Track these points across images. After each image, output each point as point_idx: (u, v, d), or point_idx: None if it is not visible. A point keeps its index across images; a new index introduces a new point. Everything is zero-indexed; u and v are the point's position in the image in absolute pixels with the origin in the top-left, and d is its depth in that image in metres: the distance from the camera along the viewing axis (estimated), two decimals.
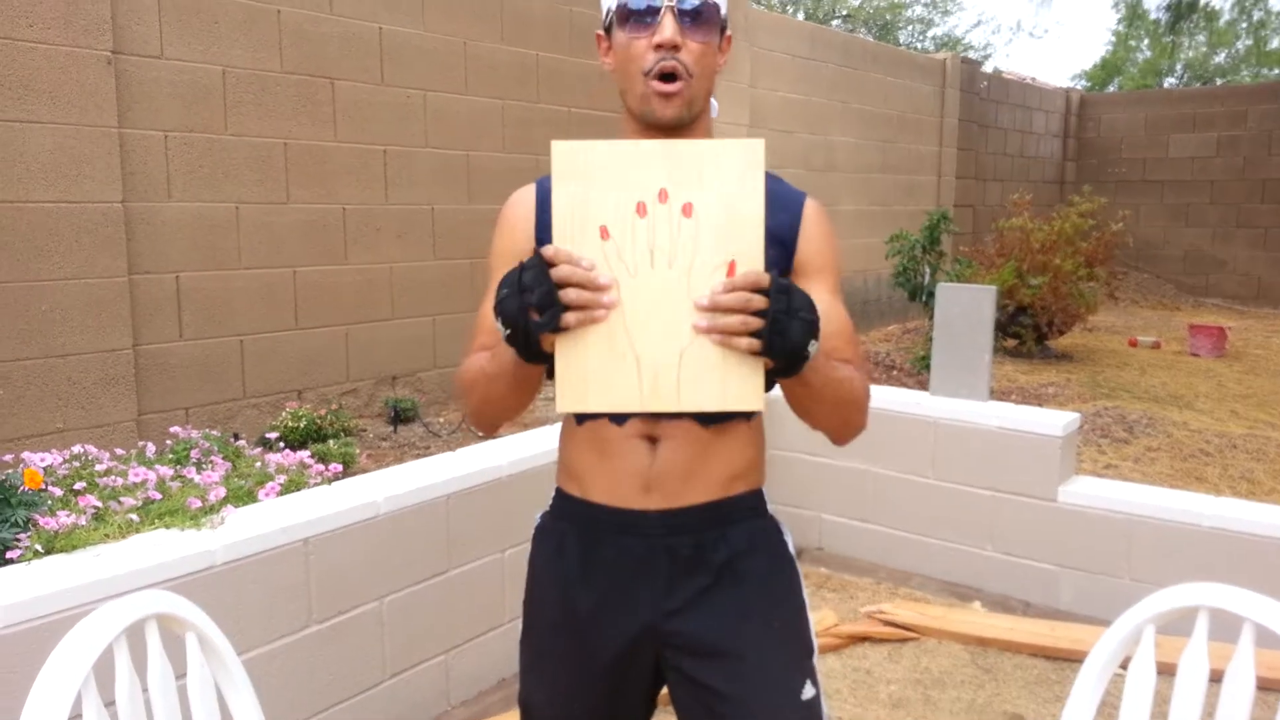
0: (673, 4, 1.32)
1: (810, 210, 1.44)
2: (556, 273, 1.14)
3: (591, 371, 1.17)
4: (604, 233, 1.15)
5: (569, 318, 1.15)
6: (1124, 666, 1.41)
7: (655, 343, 1.16)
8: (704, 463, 1.40)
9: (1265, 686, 1.23)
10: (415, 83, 5.38)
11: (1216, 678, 1.29)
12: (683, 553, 1.40)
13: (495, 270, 1.40)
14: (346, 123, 5.07)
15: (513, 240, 1.45)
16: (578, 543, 1.45)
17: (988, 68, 13.09)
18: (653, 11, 1.33)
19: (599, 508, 1.42)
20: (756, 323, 1.12)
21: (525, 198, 1.49)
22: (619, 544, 1.41)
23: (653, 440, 1.39)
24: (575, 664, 1.45)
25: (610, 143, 1.16)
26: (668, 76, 1.33)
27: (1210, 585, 1.32)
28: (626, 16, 1.35)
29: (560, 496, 1.51)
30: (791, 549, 1.51)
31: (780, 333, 1.13)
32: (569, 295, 1.14)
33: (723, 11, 1.38)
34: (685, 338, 1.15)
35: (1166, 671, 1.33)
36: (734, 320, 1.12)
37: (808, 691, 1.39)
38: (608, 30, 1.41)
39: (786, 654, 1.40)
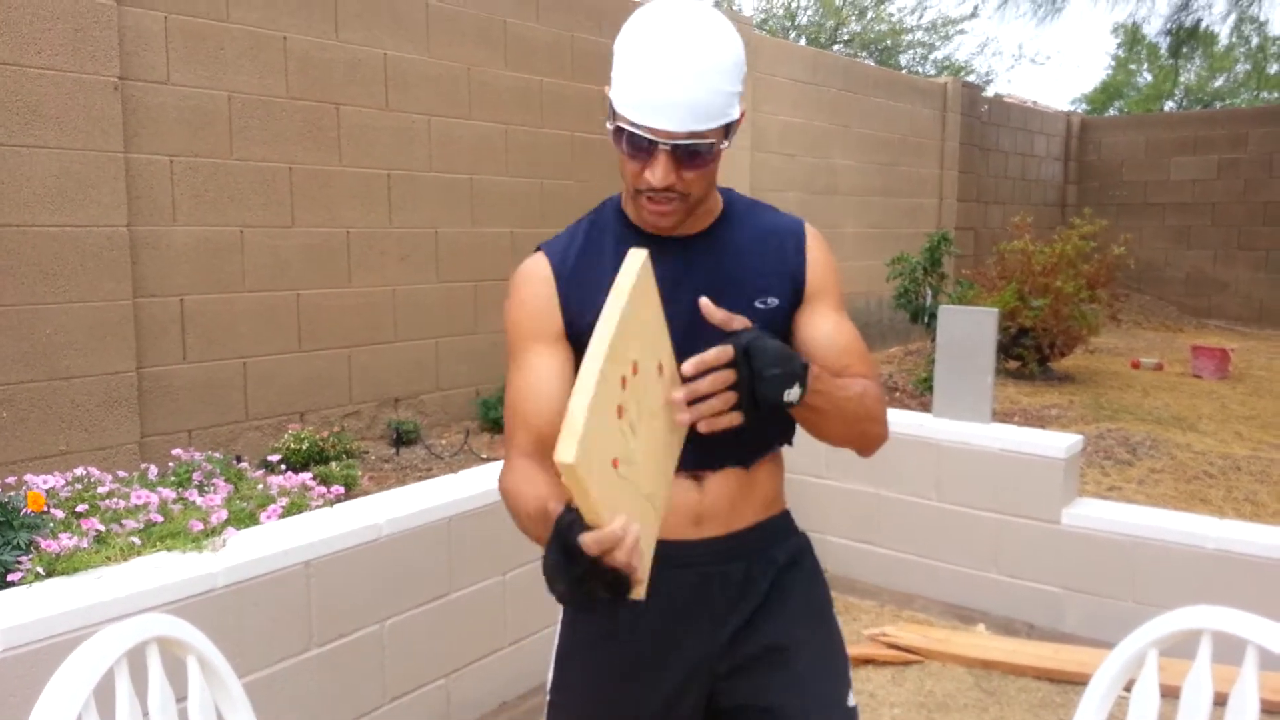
0: (668, 147, 1.26)
1: (811, 239, 1.48)
2: (606, 561, 1.05)
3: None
4: (620, 412, 1.11)
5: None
6: (1128, 689, 1.41)
7: (657, 478, 1.17)
8: (749, 490, 1.45)
9: (1270, 709, 1.22)
10: (419, 108, 5.42)
11: (1221, 701, 1.29)
12: (734, 578, 1.43)
13: (521, 351, 1.41)
14: (351, 147, 5.10)
15: (533, 317, 1.41)
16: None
17: (989, 92, 13.17)
18: (647, 146, 1.27)
19: None
20: (732, 397, 1.17)
21: (541, 274, 1.43)
22: (672, 579, 1.37)
23: (698, 477, 1.42)
24: (627, 709, 1.43)
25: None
26: (661, 199, 1.31)
27: (1213, 608, 1.32)
28: (621, 133, 1.30)
29: None
30: (819, 565, 1.56)
31: (752, 397, 1.18)
32: (618, 559, 1.05)
33: (733, 110, 1.30)
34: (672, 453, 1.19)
35: (1170, 694, 1.33)
36: (714, 403, 1.16)
37: (851, 700, 1.43)
38: (611, 112, 1.33)
39: (831, 664, 1.44)
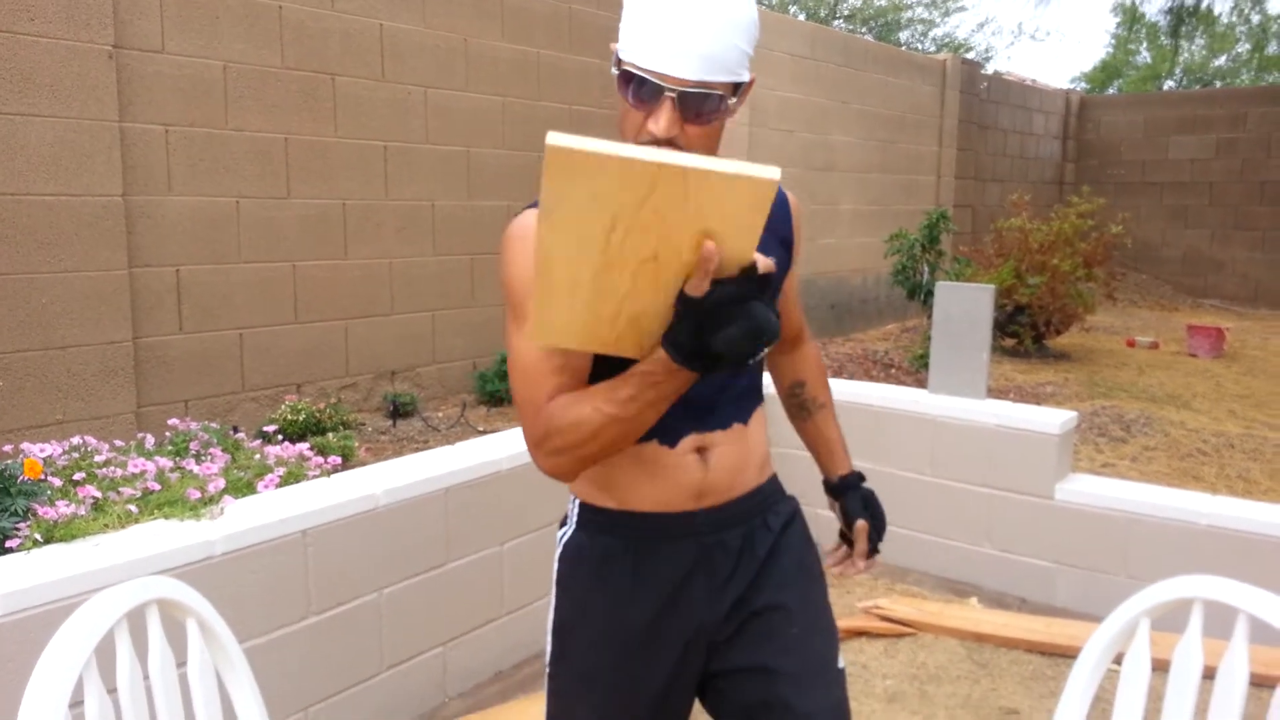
0: (673, 95, 1.20)
1: (795, 208, 1.53)
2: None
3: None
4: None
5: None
6: (1117, 662, 1.42)
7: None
8: (746, 453, 1.45)
9: (1259, 682, 1.23)
10: (416, 79, 5.38)
11: (1211, 675, 1.30)
12: (733, 545, 1.43)
13: (519, 313, 1.30)
14: (347, 118, 5.08)
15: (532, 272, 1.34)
16: (625, 555, 1.40)
17: (989, 69, 13.10)
18: (653, 92, 1.22)
19: (646, 516, 1.39)
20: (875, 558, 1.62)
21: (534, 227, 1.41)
22: (674, 550, 1.39)
23: (702, 451, 1.40)
24: (626, 681, 1.42)
25: (613, 156, 1.00)
26: None
27: (1204, 577, 1.33)
28: (628, 80, 1.24)
29: (590, 511, 1.44)
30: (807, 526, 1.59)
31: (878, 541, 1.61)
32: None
33: (743, 71, 1.26)
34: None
35: (1161, 668, 1.34)
36: (861, 562, 1.62)
37: (840, 661, 1.45)
38: (618, 62, 1.27)
39: (823, 625, 1.46)
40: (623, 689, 1.43)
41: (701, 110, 1.22)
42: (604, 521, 1.42)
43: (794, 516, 1.53)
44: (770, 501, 1.50)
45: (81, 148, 4.02)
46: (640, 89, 1.22)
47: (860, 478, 1.70)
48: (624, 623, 1.41)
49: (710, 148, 1.28)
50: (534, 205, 1.38)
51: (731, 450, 1.42)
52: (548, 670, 1.50)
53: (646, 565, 1.40)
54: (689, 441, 1.38)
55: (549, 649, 1.49)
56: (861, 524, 1.62)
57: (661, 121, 1.21)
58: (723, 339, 1.06)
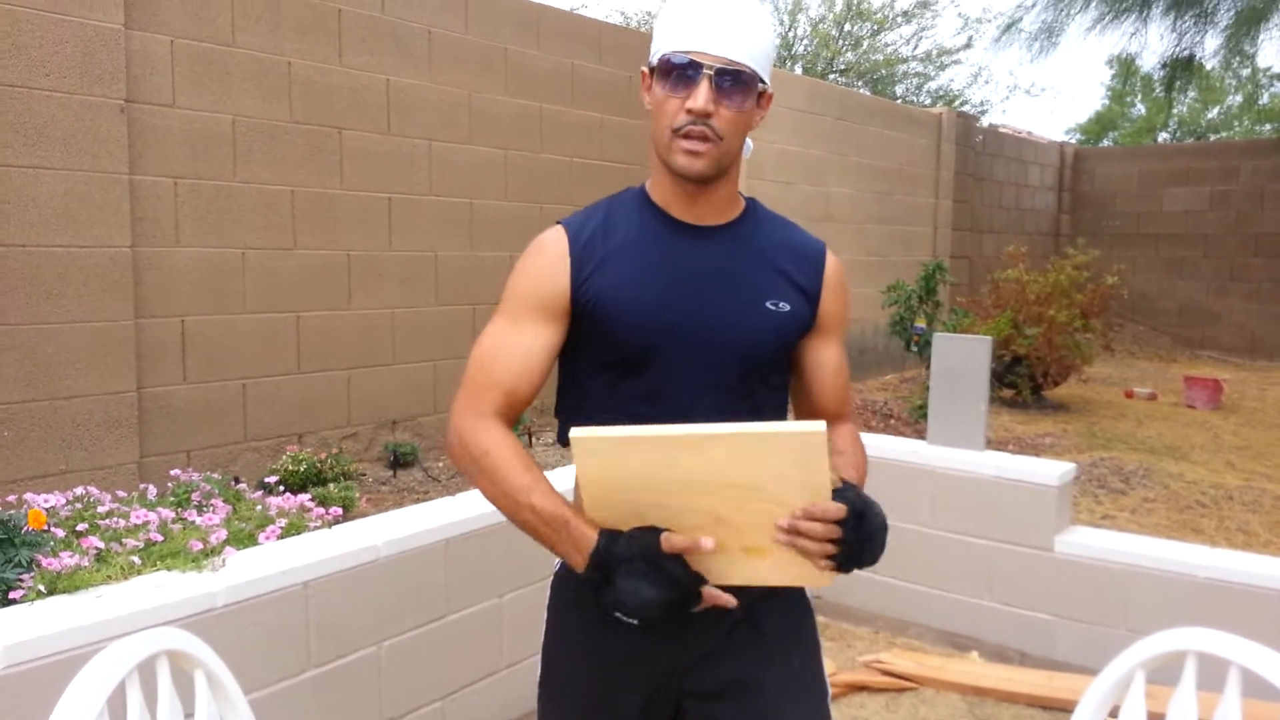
0: (711, 72, 1.32)
1: (831, 267, 1.52)
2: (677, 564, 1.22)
3: None
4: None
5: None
6: (1114, 715, 1.43)
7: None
8: None
9: None
10: (420, 133, 5.47)
11: None
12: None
13: (518, 311, 1.42)
14: (353, 171, 5.16)
15: (540, 286, 1.42)
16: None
17: (984, 122, 13.29)
18: (692, 73, 1.33)
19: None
20: (831, 549, 1.23)
21: (557, 247, 1.44)
22: None
23: None
24: (604, 707, 1.45)
25: (648, 438, 1.18)
26: (696, 136, 1.34)
27: (1198, 630, 1.34)
28: (667, 72, 1.35)
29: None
30: (809, 592, 1.55)
31: (854, 557, 1.25)
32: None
33: (764, 74, 1.38)
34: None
35: None
36: (809, 545, 1.23)
37: None
38: (652, 70, 1.40)
39: (805, 695, 1.43)
40: (599, 714, 1.45)
41: (734, 91, 1.33)
42: None
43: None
44: None
45: (92, 200, 4.08)
46: (679, 72, 1.33)
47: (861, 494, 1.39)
48: (600, 650, 1.44)
49: (739, 136, 1.38)
50: (563, 221, 1.47)
51: None
52: (538, 691, 1.54)
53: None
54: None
55: (539, 670, 1.53)
56: (839, 506, 1.26)
57: (700, 97, 1.31)
58: (624, 580, 1.22)
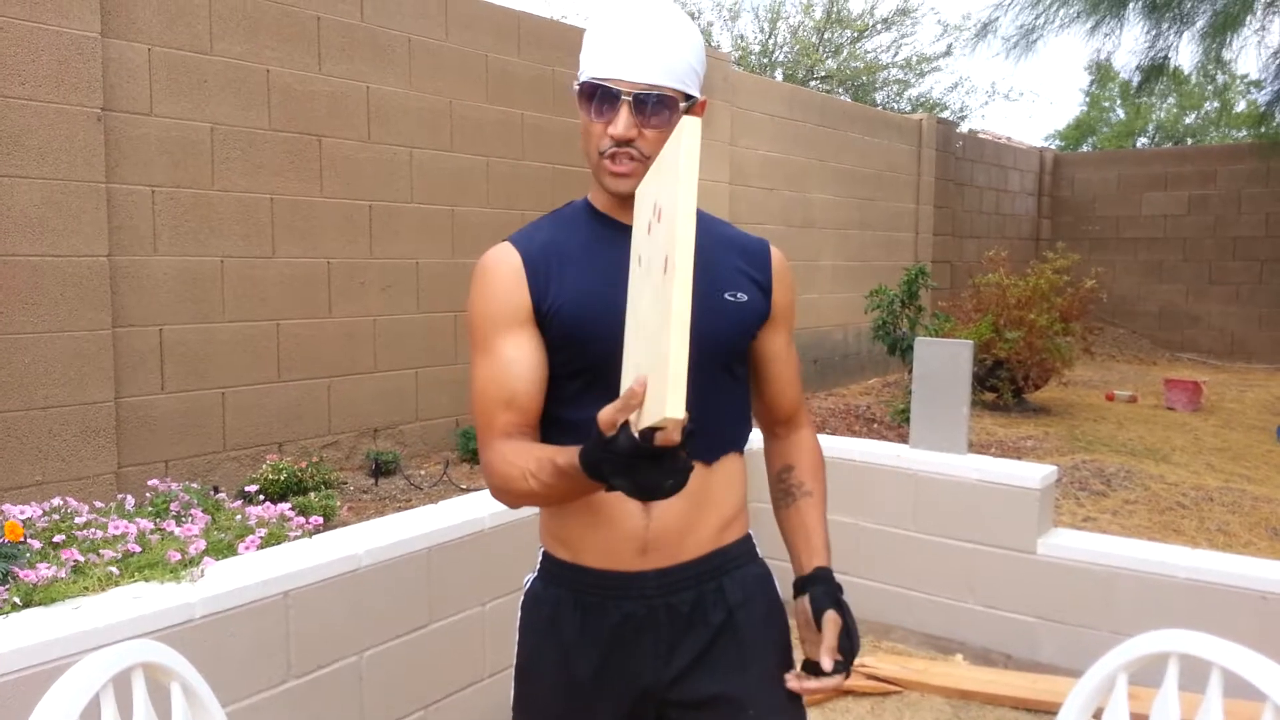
0: (629, 98, 1.32)
1: (778, 259, 1.54)
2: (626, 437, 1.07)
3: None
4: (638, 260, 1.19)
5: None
6: (1098, 717, 1.43)
7: (646, 352, 1.09)
8: (699, 515, 1.42)
9: None
10: (401, 140, 5.46)
11: None
12: (682, 610, 1.41)
13: (492, 338, 1.39)
14: (333, 178, 5.13)
15: (503, 305, 1.40)
16: (573, 610, 1.43)
17: (964, 128, 13.37)
18: (611, 99, 1.33)
19: (593, 573, 1.41)
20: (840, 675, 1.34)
21: (509, 261, 1.43)
22: (619, 609, 1.40)
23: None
24: None
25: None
26: (623, 157, 1.35)
27: (1180, 632, 1.35)
28: (589, 96, 1.36)
29: (549, 560, 1.48)
30: (780, 594, 1.53)
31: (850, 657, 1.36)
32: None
33: (690, 88, 1.36)
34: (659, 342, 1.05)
35: None
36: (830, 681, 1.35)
37: None
38: (577, 85, 1.41)
39: (784, 702, 1.42)
40: None
41: (656, 112, 1.33)
42: (558, 573, 1.46)
43: (759, 582, 1.50)
44: (731, 565, 1.46)
45: (68, 209, 4.05)
46: (600, 98, 1.33)
47: (834, 580, 1.44)
48: (571, 674, 1.42)
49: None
50: (509, 237, 1.47)
51: (680, 505, 1.38)
52: (511, 714, 1.52)
53: (592, 620, 1.41)
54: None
55: (512, 691, 1.52)
56: (832, 615, 1.37)
57: (619, 123, 1.32)
58: (618, 481, 1.09)
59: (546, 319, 1.39)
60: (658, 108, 1.33)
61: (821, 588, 1.41)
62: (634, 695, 1.41)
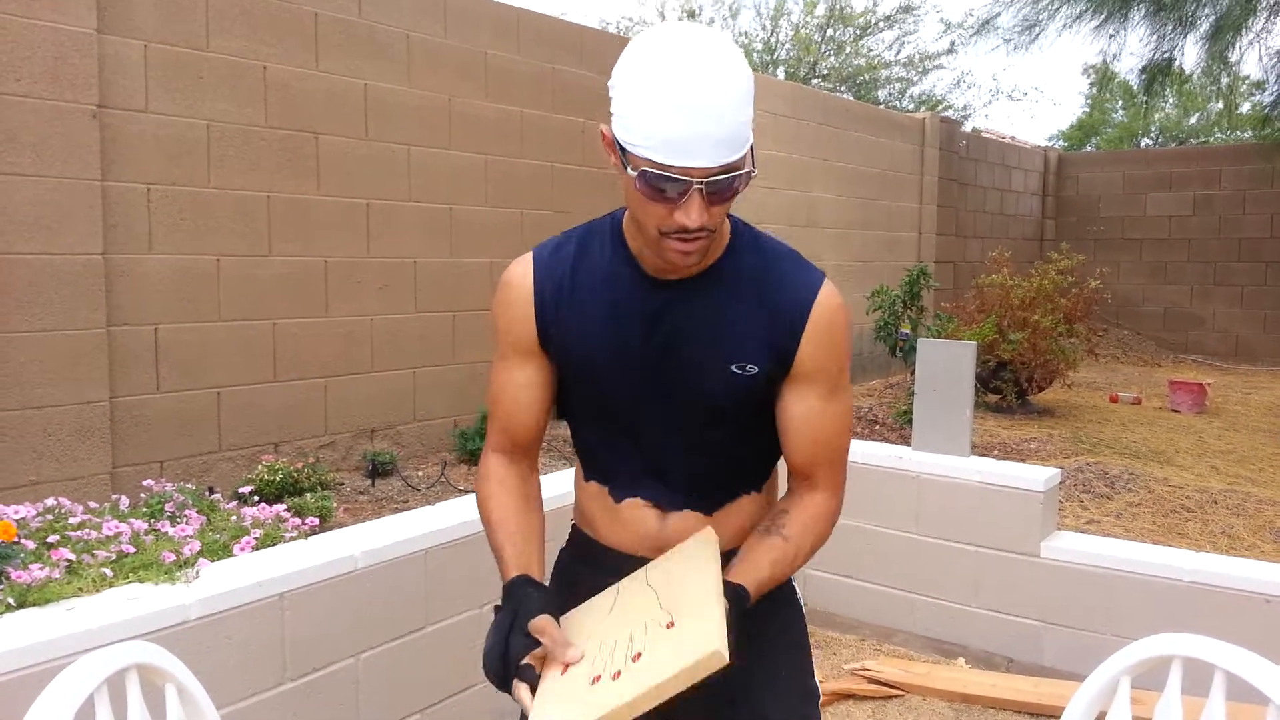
0: (701, 186, 1.19)
1: (818, 316, 1.36)
2: (536, 653, 1.28)
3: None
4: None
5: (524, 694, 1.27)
6: None
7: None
8: (715, 527, 1.44)
9: None
10: (399, 138, 5.43)
11: None
12: None
13: (501, 350, 1.47)
14: (330, 176, 5.11)
15: (510, 327, 1.45)
16: (590, 585, 1.47)
17: (967, 127, 13.33)
18: (678, 187, 1.20)
19: (612, 552, 1.49)
20: None
21: (522, 288, 1.43)
22: None
23: (661, 510, 1.44)
24: None
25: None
26: (691, 240, 1.25)
27: (1183, 635, 1.32)
28: (647, 180, 1.20)
29: (576, 532, 1.58)
30: (798, 594, 1.55)
31: None
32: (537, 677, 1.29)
33: (750, 138, 1.23)
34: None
35: None
36: None
37: None
38: (616, 140, 1.24)
39: (794, 699, 1.43)
40: None
41: (727, 190, 1.22)
42: (582, 546, 1.56)
43: (785, 608, 1.51)
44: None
45: (63, 207, 4.02)
46: (663, 186, 1.20)
47: (745, 599, 1.29)
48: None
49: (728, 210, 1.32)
50: (535, 252, 1.46)
51: (692, 522, 1.45)
52: None
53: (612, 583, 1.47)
54: (635, 502, 1.45)
55: None
56: None
57: (694, 214, 1.21)
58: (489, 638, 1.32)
59: (552, 350, 1.43)
60: (729, 183, 1.21)
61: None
62: None
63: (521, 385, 1.45)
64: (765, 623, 1.44)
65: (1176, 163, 13.00)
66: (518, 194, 6.12)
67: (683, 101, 1.15)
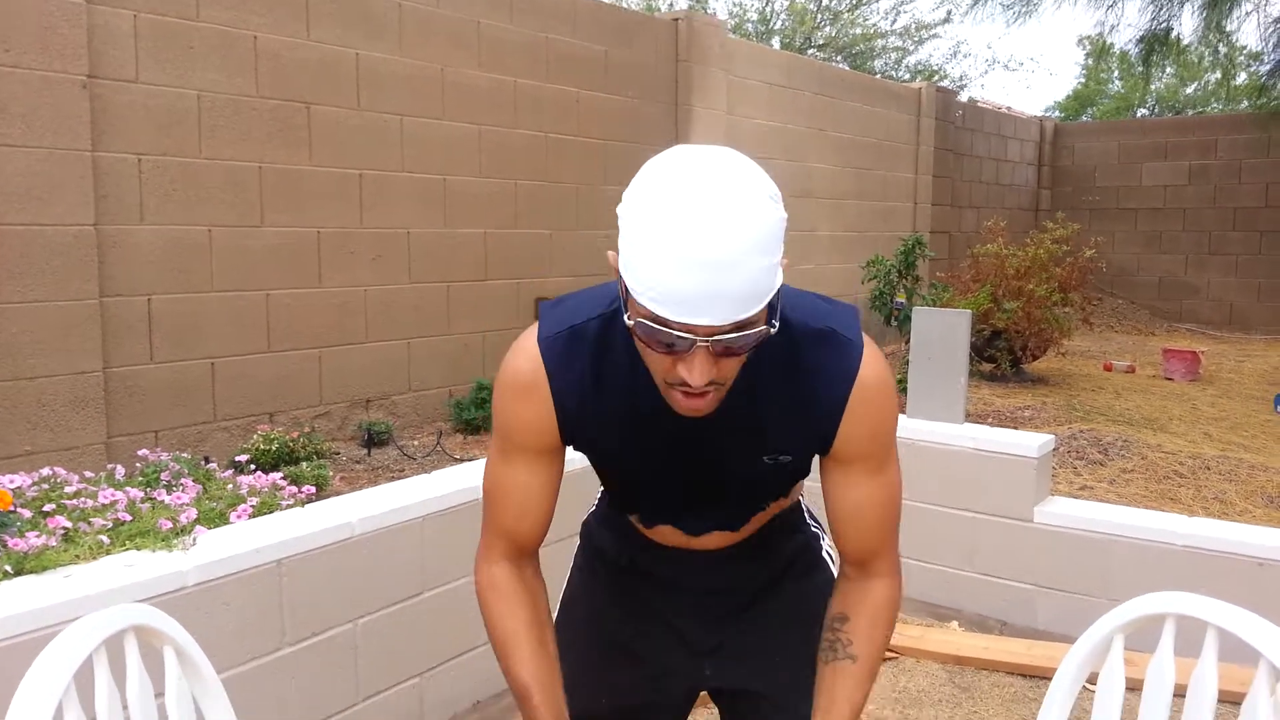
0: (708, 344, 1.06)
1: (856, 400, 1.25)
2: None
3: None
4: None
5: None
6: (1092, 683, 1.42)
7: None
8: (743, 530, 1.46)
9: (1227, 699, 1.24)
10: (392, 108, 5.39)
11: (1184, 692, 1.30)
12: (735, 559, 1.48)
13: (510, 450, 1.32)
14: (323, 147, 5.07)
15: (526, 435, 1.30)
16: (617, 553, 1.53)
17: (963, 97, 13.26)
18: (682, 342, 1.07)
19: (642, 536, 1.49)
20: None
21: (539, 392, 1.27)
22: (667, 557, 1.49)
23: (693, 534, 1.45)
24: (621, 669, 1.50)
25: None
26: (696, 394, 1.13)
27: (1176, 594, 1.33)
28: (649, 330, 1.08)
29: (605, 505, 1.57)
30: (826, 552, 1.57)
31: None
32: None
33: (775, 289, 1.08)
34: None
35: (1135, 688, 1.34)
36: None
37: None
38: (627, 296, 1.11)
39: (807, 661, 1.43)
40: (617, 670, 1.50)
41: (738, 345, 1.08)
42: (613, 521, 1.55)
43: (802, 550, 1.54)
44: (773, 540, 1.51)
45: (54, 178, 3.99)
46: (667, 340, 1.07)
47: None
48: (617, 567, 1.53)
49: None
50: (545, 357, 1.28)
51: (722, 538, 1.46)
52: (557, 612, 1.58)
53: (639, 561, 1.52)
54: (666, 529, 1.45)
55: (554, 616, 1.56)
56: None
57: (696, 372, 1.08)
58: None
59: (576, 446, 1.36)
60: (740, 340, 1.07)
61: None
62: (676, 653, 1.48)
63: (534, 489, 1.33)
64: (795, 589, 1.52)
65: (1172, 132, 12.97)
66: (512, 164, 6.09)
67: (688, 252, 1.00)
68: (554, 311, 1.30)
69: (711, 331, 1.04)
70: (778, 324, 1.10)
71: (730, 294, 1.02)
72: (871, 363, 1.25)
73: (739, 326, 1.05)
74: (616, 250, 1.11)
